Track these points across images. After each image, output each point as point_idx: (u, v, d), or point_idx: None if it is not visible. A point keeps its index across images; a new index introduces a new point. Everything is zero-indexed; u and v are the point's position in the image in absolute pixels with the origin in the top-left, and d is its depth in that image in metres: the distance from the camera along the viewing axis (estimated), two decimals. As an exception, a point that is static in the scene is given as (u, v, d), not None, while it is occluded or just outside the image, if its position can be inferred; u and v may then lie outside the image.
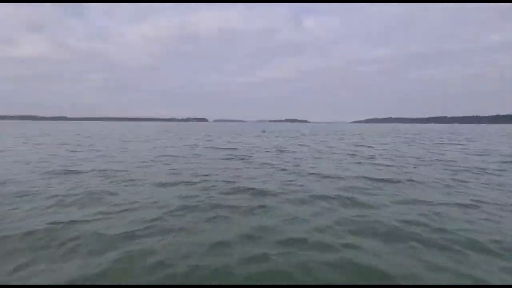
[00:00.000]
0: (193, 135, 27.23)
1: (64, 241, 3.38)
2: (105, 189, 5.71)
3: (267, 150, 14.05)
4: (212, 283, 2.63)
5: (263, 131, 39.37)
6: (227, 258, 3.01)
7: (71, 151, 12.65)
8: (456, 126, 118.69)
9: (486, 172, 7.98)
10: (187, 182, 6.46)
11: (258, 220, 4.14)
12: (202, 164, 9.20)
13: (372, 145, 16.91)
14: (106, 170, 7.83)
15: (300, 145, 17.25)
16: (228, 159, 10.53)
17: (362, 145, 16.96)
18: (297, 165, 9.01)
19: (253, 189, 5.80)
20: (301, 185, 6.23)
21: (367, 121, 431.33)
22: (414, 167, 8.80)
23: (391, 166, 9.13)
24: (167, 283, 2.60)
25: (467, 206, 4.84)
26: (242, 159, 10.54)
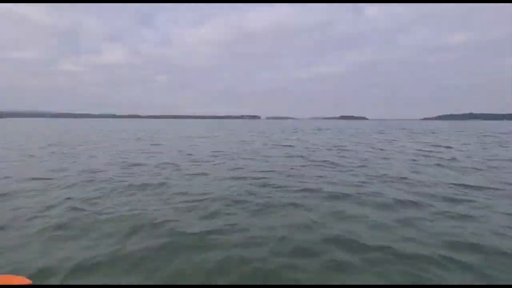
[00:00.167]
0: (248, 132, 27.89)
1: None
2: (178, 182, 6.17)
3: (327, 148, 13.41)
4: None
5: (319, 129, 37.99)
6: (310, 266, 2.84)
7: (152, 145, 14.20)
8: None
9: None
10: (252, 177, 6.52)
11: (343, 225, 3.82)
12: (262, 161, 9.22)
13: (451, 145, 14.68)
14: (177, 163, 8.54)
15: (360, 143, 16.02)
16: (287, 156, 10.35)
17: (438, 145, 14.85)
18: (363, 166, 8.31)
19: (322, 190, 5.49)
20: (376, 189, 5.64)
21: (440, 117, 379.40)
22: (516, 173, 7.24)
23: (481, 170, 7.72)
24: None
25: None
26: (302, 156, 10.24)
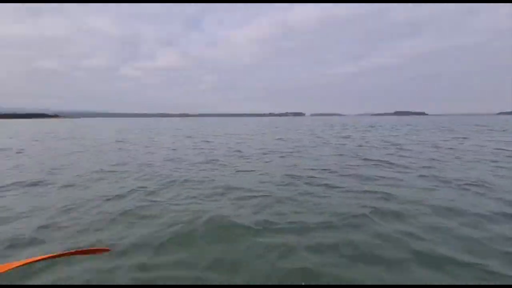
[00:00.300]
0: (295, 130, 27.37)
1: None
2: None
3: (383, 146, 12.30)
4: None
5: (371, 126, 35.25)
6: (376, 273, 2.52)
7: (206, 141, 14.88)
8: None
9: None
10: (306, 176, 6.24)
11: (426, 239, 3.37)
12: (313, 160, 8.83)
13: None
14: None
15: (423, 142, 14.29)
16: (339, 155, 9.74)
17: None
18: (431, 167, 7.32)
19: (384, 192, 4.95)
20: (454, 195, 4.86)
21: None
22: None
23: None
24: None
25: None
26: (356, 155, 9.51)
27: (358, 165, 7.72)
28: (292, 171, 7.00)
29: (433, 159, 8.62)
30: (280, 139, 17.00)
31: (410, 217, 3.84)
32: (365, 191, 5.07)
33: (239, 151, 11.06)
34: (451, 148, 11.34)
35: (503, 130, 22.75)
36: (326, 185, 5.55)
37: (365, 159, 8.69)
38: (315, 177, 6.20)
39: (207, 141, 15.52)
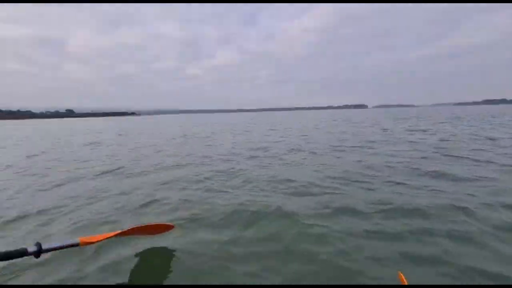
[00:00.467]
0: (359, 122, 25.32)
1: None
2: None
3: (477, 141, 10.22)
4: None
5: (458, 117, 29.44)
6: None
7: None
8: None
9: None
10: (384, 177, 5.51)
11: None
12: (388, 156, 7.84)
13: None
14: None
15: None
16: (417, 150, 8.41)
17: None
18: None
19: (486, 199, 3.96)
20: None
21: None
22: None
23: None
24: None
25: None
26: (440, 152, 8.07)
27: (443, 163, 6.50)
28: (366, 168, 6.28)
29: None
30: (344, 132, 15.89)
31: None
32: (459, 194, 4.13)
33: (300, 146, 10.64)
34: None
35: None
36: (407, 185, 4.76)
37: (453, 156, 7.29)
38: (395, 176, 5.41)
39: (269, 135, 15.49)
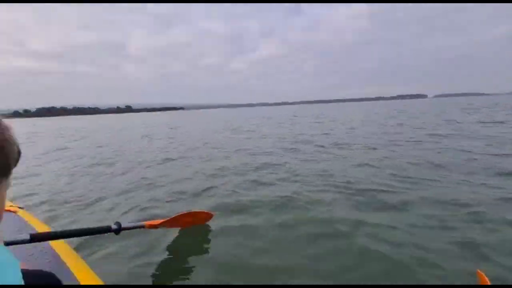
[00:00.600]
0: (418, 113, 22.71)
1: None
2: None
3: None
4: None
5: None
6: None
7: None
8: None
9: None
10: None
11: None
12: (461, 152, 6.75)
13: None
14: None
15: None
16: (491, 145, 7.09)
17: None
18: None
19: None
20: None
21: None
22: None
23: None
24: None
25: None
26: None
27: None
28: (429, 164, 5.46)
29: None
30: (400, 124, 14.37)
31: None
32: None
33: (348, 139, 9.88)
34: None
35: None
36: (486, 185, 3.93)
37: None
38: (470, 175, 4.56)
39: (315, 128, 14.86)
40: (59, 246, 1.71)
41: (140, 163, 7.17)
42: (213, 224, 2.99)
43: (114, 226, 2.17)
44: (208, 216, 2.91)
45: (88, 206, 3.93)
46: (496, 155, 6.06)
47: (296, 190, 4.09)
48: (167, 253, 2.54)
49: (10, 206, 2.25)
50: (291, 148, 8.35)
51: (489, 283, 1.51)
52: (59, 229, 2.11)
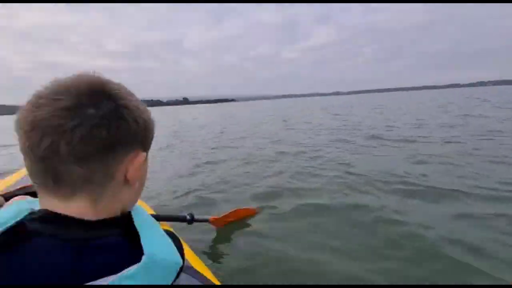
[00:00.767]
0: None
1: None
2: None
3: None
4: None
5: None
6: None
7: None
8: None
9: None
10: None
11: None
12: None
13: None
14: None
15: None
16: None
17: None
18: None
19: None
20: None
21: None
22: None
23: None
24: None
25: None
26: None
27: None
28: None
29: None
30: (491, 116, 11.30)
31: None
32: None
33: (418, 132, 7.90)
34: None
35: None
36: None
37: None
38: None
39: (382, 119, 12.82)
40: None
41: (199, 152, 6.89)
42: (267, 217, 2.98)
43: (189, 217, 2.36)
44: (253, 212, 3.03)
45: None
46: None
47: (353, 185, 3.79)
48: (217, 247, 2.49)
49: None
50: (354, 142, 7.19)
51: None
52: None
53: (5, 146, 10.14)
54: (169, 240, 0.49)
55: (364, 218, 2.82)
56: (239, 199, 3.54)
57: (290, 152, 6.33)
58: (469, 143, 6.03)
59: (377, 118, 13.28)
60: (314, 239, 2.52)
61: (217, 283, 1.14)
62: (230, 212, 2.75)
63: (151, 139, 0.53)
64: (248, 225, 2.85)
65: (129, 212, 0.50)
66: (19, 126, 0.43)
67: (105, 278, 0.39)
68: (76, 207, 0.44)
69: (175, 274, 0.45)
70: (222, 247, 2.49)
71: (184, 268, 0.51)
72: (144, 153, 0.51)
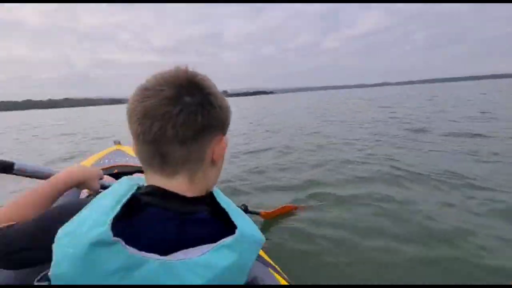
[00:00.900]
0: None
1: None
2: None
3: None
4: None
5: None
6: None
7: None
8: None
9: None
10: None
11: None
12: None
13: None
14: None
15: None
16: None
17: None
18: None
19: None
20: None
21: None
22: None
23: None
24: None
25: None
26: None
27: None
28: None
29: None
30: None
31: None
32: None
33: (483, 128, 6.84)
34: None
35: None
36: None
37: None
38: None
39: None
40: None
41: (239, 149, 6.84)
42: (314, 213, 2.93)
43: (242, 208, 2.29)
44: (302, 208, 3.02)
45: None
46: None
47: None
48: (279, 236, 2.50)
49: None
50: (404, 137, 6.64)
51: None
52: None
53: (70, 134, 11.47)
54: (251, 219, 0.55)
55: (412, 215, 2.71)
56: (282, 191, 3.57)
57: (331, 145, 6.25)
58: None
59: (429, 110, 11.93)
60: (365, 229, 2.51)
61: (278, 268, 1.19)
62: (279, 208, 2.84)
63: (229, 124, 0.59)
64: (293, 215, 2.90)
65: (211, 193, 0.56)
66: (131, 115, 0.49)
67: (206, 245, 0.45)
68: (177, 184, 0.52)
69: (259, 249, 0.51)
70: (274, 237, 2.53)
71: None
72: (225, 136, 0.57)
